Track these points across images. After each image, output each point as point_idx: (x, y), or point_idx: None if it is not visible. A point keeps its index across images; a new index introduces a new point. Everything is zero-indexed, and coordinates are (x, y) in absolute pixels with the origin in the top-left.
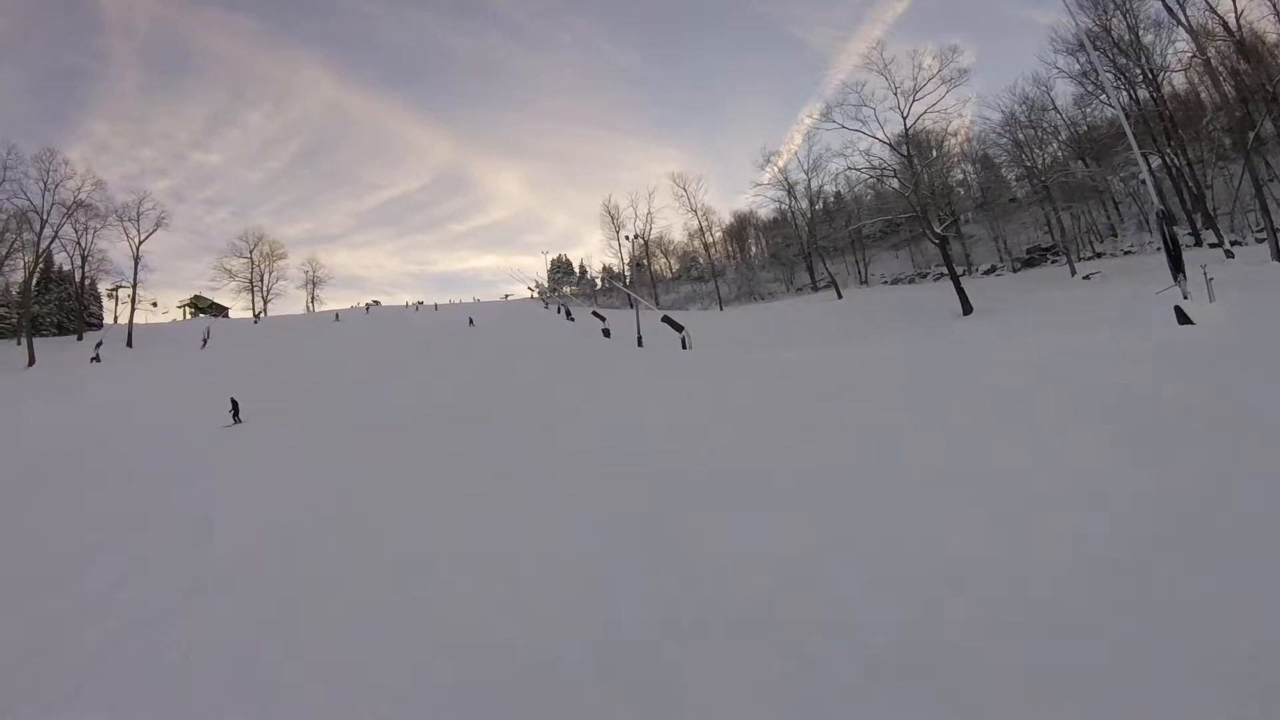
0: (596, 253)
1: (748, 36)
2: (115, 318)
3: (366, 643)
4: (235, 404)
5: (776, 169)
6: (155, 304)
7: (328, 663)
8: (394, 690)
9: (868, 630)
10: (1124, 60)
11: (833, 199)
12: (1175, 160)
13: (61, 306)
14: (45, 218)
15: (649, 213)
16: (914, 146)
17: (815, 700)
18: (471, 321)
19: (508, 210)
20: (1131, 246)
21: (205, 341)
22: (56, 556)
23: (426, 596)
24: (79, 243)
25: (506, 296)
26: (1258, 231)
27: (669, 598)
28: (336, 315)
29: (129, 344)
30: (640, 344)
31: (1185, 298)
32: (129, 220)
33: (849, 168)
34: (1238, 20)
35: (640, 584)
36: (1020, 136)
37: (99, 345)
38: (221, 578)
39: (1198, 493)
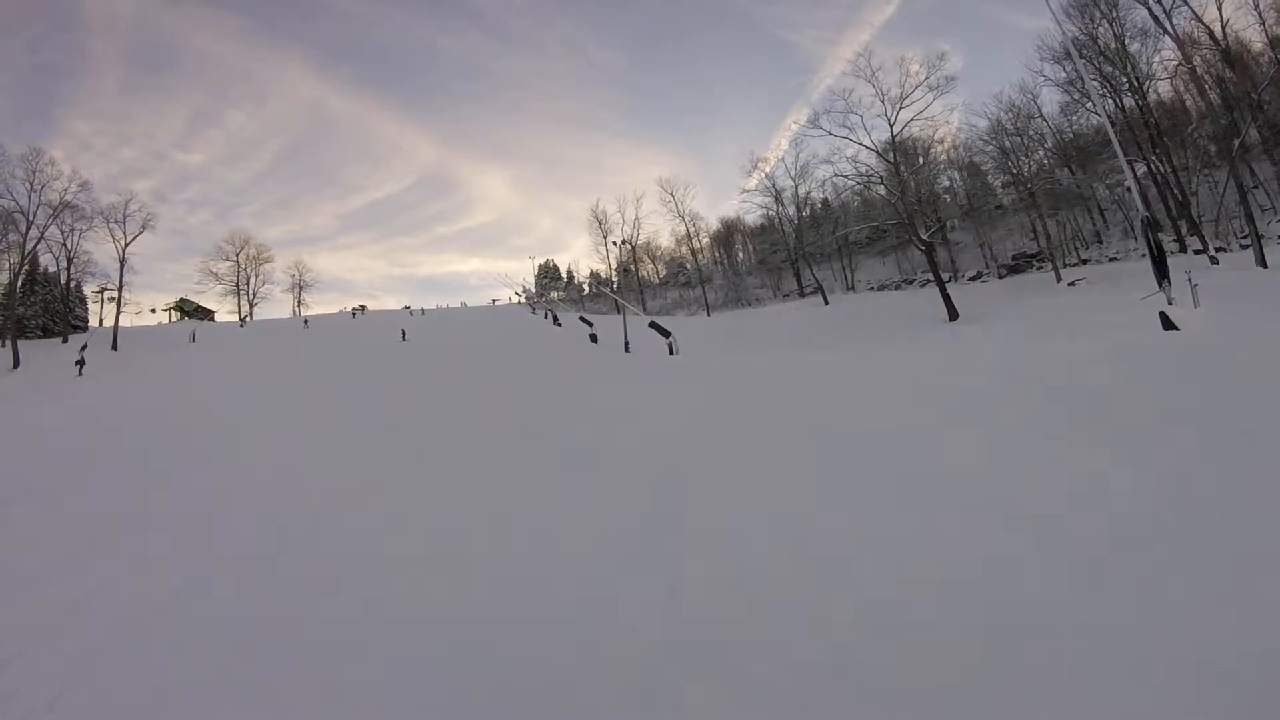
0: (583, 257)
1: (734, 40)
2: (100, 320)
3: None
4: None
5: (764, 175)
6: (154, 310)
7: None
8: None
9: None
10: (1110, 68)
11: (820, 205)
12: (1160, 167)
13: (47, 309)
14: (31, 219)
15: (636, 218)
16: (900, 154)
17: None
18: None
19: (493, 213)
20: (1116, 253)
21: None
22: None
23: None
24: (65, 244)
25: (494, 301)
26: (1242, 238)
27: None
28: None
29: (114, 347)
30: (627, 349)
31: (1170, 303)
32: (115, 222)
33: (836, 174)
34: (1223, 29)
35: (631, 589)
36: (1006, 144)
37: (83, 348)
38: None
39: (1176, 494)
